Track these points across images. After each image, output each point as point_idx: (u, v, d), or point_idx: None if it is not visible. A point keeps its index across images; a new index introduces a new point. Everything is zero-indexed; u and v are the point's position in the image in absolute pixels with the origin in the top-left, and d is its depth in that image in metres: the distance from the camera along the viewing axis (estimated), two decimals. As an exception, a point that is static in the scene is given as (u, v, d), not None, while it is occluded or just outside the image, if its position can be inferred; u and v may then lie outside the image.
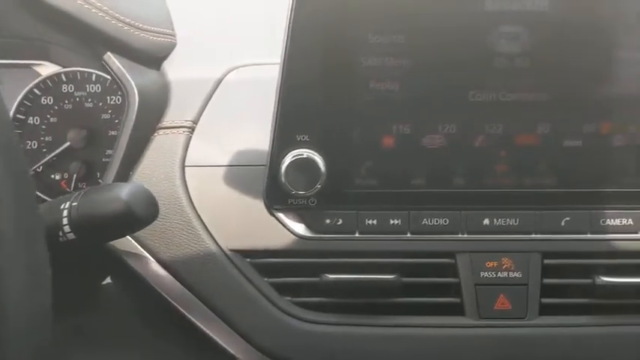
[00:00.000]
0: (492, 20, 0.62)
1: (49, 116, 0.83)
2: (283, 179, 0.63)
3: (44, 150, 0.83)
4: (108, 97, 0.82)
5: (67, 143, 0.82)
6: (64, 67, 0.84)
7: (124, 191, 0.57)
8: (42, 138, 0.83)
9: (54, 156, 0.82)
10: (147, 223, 0.58)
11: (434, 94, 0.64)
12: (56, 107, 0.83)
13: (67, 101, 0.84)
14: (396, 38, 0.63)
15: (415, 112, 0.65)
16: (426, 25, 0.63)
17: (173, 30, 0.83)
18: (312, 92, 0.64)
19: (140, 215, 0.57)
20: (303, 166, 0.63)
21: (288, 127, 0.64)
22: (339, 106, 0.64)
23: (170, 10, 0.87)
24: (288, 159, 0.63)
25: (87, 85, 0.84)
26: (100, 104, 0.83)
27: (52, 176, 0.83)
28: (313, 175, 0.63)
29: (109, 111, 0.82)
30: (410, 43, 0.63)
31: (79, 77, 0.83)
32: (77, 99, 0.84)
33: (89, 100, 0.84)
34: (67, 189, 0.84)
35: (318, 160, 0.63)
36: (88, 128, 0.82)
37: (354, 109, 0.65)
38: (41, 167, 0.83)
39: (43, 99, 0.83)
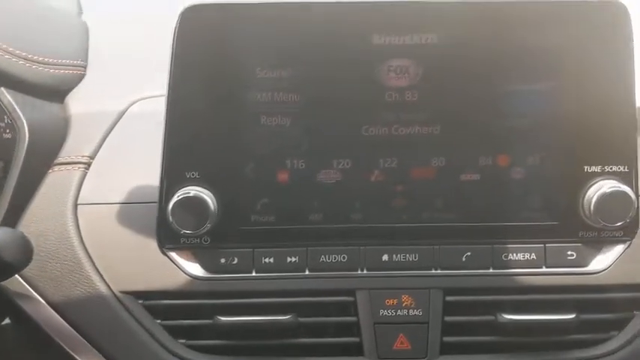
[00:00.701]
0: (381, 54, 0.60)
1: (-34, 147, 0.81)
2: (170, 219, 0.61)
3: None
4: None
5: (-16, 174, 0.80)
6: (-19, 97, 0.82)
7: (-7, 236, 0.55)
8: (-41, 169, 0.81)
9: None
10: (18, 269, 0.56)
11: (326, 128, 0.62)
12: (-27, 139, 0.81)
13: (-16, 132, 0.82)
14: (285, 73, 0.61)
15: (309, 147, 0.63)
16: (315, 59, 0.61)
17: (85, 61, 0.82)
18: (200, 128, 0.62)
19: (10, 261, 0.55)
20: (191, 204, 0.61)
21: (177, 164, 0.62)
22: (229, 141, 0.62)
23: (88, 41, 0.86)
24: (175, 197, 0.61)
25: (4, 116, 0.82)
26: (18, 135, 0.81)
27: (-29, 208, 0.81)
28: (202, 213, 0.61)
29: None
30: (299, 78, 0.61)
31: (-5, 108, 0.82)
32: (-6, 130, 0.82)
33: (7, 131, 0.82)
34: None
35: (207, 198, 0.61)
36: (5, 160, 0.80)
37: (245, 145, 0.63)
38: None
39: (-41, 130, 0.81)
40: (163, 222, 0.62)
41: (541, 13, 0.60)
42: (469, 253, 0.64)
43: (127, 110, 0.75)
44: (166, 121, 0.61)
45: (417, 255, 0.65)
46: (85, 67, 0.81)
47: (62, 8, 0.87)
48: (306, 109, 0.62)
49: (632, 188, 0.61)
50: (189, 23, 0.59)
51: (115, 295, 0.65)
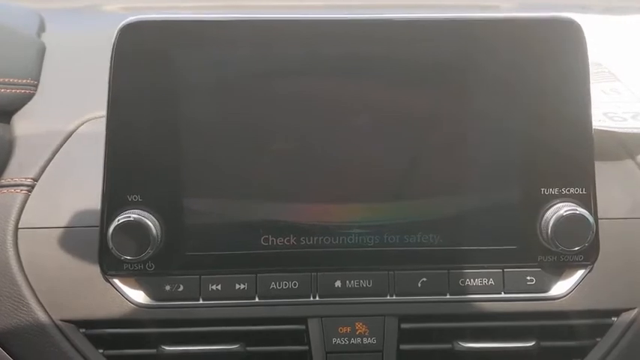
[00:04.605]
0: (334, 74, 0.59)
1: None
2: (111, 244, 0.58)
3: None
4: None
5: None
6: None
7: None
8: None
9: None
10: None
11: (272, 151, 0.60)
12: None
13: None
14: (229, 92, 0.59)
15: (256, 170, 0.61)
16: (258, 79, 0.59)
17: (37, 80, 0.79)
18: (142, 149, 0.59)
19: None
20: (131, 229, 0.58)
21: (118, 186, 0.60)
22: (172, 163, 0.60)
23: (42, 60, 0.84)
24: (116, 222, 0.58)
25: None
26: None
27: None
28: (143, 239, 0.58)
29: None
30: (243, 98, 0.59)
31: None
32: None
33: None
34: None
35: (149, 222, 0.58)
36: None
37: (189, 167, 0.60)
38: None
39: None
40: (105, 247, 0.59)
41: (493, 31, 0.58)
42: (425, 279, 0.62)
43: (75, 130, 0.72)
44: (107, 142, 0.59)
45: (371, 281, 0.62)
46: (35, 86, 0.78)
47: (16, 27, 0.85)
48: (252, 131, 0.60)
49: (590, 211, 0.59)
50: (128, 41, 0.57)
51: (55, 323, 0.62)
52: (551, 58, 0.58)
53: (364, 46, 0.59)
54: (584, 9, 0.94)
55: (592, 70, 0.60)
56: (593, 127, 0.60)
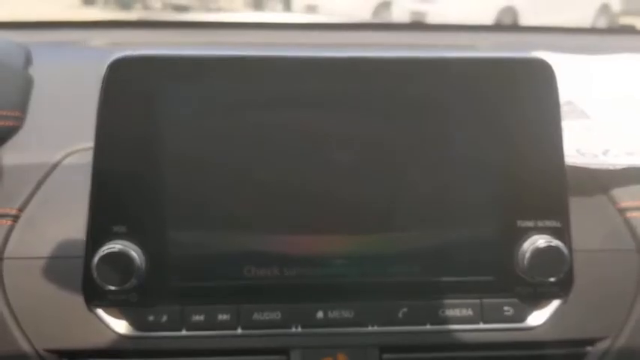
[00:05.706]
0: (319, 113, 0.61)
1: None
2: (95, 274, 0.59)
3: None
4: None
5: None
6: None
7: None
8: None
9: None
10: None
11: (256, 184, 0.62)
12: None
13: None
14: (215, 127, 0.61)
15: (241, 202, 0.62)
16: (246, 115, 0.61)
17: (23, 113, 0.80)
18: (128, 181, 0.60)
19: None
20: (116, 260, 0.59)
21: (104, 217, 0.60)
22: (157, 195, 0.61)
23: (29, 90, 0.85)
24: (101, 252, 0.59)
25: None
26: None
27: None
28: (126, 268, 0.59)
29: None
30: (230, 133, 0.61)
31: None
32: None
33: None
34: None
35: (133, 252, 0.59)
36: None
37: (174, 199, 0.61)
38: None
39: None
40: (89, 277, 0.60)
41: (467, 70, 0.61)
42: (405, 309, 0.63)
43: (61, 161, 0.73)
44: (93, 173, 0.60)
45: (352, 311, 0.63)
46: (21, 118, 0.79)
47: (2, 60, 0.86)
48: (236, 164, 0.61)
49: (565, 243, 0.61)
50: (117, 76, 0.58)
51: (38, 353, 0.62)
52: (523, 97, 0.61)
53: (345, 83, 0.61)
54: (557, 48, 0.98)
55: (564, 108, 0.63)
56: (566, 163, 0.63)
